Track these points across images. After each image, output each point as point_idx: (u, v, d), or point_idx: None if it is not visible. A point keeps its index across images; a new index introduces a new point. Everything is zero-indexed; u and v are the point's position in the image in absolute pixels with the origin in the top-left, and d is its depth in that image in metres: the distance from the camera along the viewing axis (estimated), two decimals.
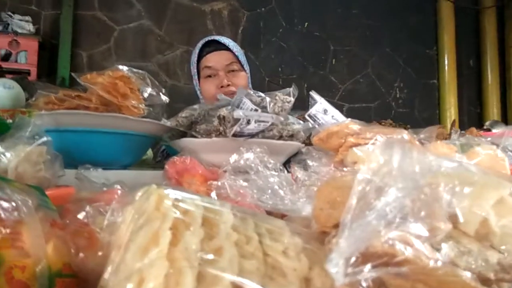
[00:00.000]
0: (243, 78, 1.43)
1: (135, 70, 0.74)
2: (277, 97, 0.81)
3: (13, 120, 0.62)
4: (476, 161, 0.60)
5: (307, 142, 0.87)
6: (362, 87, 4.17)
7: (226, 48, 1.41)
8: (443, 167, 0.53)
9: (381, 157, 0.34)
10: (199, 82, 1.50)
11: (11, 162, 0.51)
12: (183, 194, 0.36)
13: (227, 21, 3.69)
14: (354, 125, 0.62)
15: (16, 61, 2.88)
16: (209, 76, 1.42)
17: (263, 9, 3.83)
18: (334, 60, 4.09)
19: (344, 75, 4.11)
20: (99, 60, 3.28)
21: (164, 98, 0.77)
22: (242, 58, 1.44)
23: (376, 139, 0.61)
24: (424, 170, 0.33)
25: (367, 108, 4.17)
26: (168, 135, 0.89)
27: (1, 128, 0.63)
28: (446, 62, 4.27)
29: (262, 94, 0.80)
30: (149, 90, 0.76)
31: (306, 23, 4.00)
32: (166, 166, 0.72)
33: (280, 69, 3.89)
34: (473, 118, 4.45)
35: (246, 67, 1.46)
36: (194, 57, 1.48)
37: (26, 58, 2.89)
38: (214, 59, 1.40)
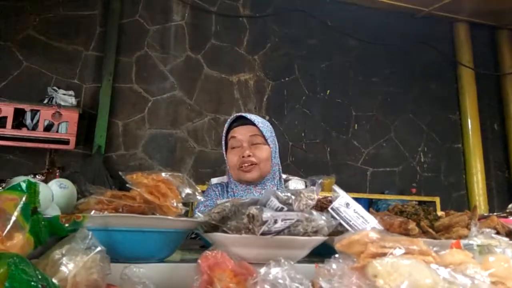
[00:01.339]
0: (265, 151, 1.52)
1: (175, 173, 0.84)
2: (301, 195, 0.88)
3: (69, 224, 0.71)
4: (490, 272, 0.64)
5: (331, 233, 0.92)
6: (385, 151, 4.21)
7: (252, 123, 1.53)
8: (457, 284, 0.57)
9: None
10: (226, 153, 1.60)
11: (71, 272, 0.59)
12: None
13: (253, 90, 3.90)
14: (374, 234, 0.68)
15: (57, 131, 3.12)
16: (234, 147, 1.53)
17: (287, 78, 4.04)
18: (356, 125, 4.19)
19: (367, 140, 4.18)
20: (134, 129, 3.50)
21: (200, 197, 0.85)
22: (267, 133, 1.54)
23: (394, 249, 0.66)
24: None
25: (391, 172, 4.18)
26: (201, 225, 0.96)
27: (60, 232, 0.72)
28: (469, 126, 4.29)
29: (288, 193, 0.87)
30: (186, 190, 0.85)
31: (328, 91, 4.17)
32: (199, 261, 0.79)
33: (303, 134, 4.01)
34: (501, 182, 4.37)
35: (272, 143, 1.55)
36: (224, 131, 1.61)
37: (67, 128, 3.12)
38: (239, 131, 1.53)
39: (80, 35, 3.57)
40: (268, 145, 1.54)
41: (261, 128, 1.53)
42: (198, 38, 3.83)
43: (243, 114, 1.57)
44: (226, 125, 1.59)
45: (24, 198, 0.60)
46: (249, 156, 1.48)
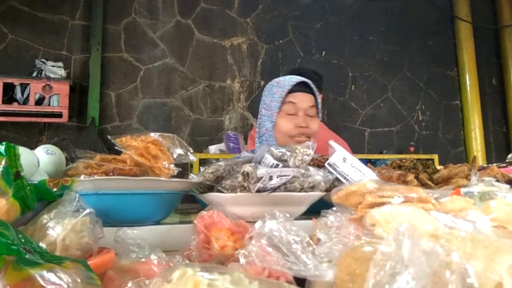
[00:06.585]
0: (316, 123, 1.45)
1: (165, 134, 0.81)
2: (297, 151, 0.85)
3: (57, 188, 0.69)
4: (491, 216, 0.62)
5: (328, 189, 0.90)
6: (383, 111, 4.17)
7: (312, 92, 1.44)
8: (458, 229, 0.55)
9: (394, 243, 0.37)
10: (275, 115, 1.45)
11: (59, 235, 0.57)
12: (215, 277, 0.40)
13: (246, 54, 3.81)
14: (371, 184, 0.66)
15: (49, 105, 3.06)
16: (289, 114, 1.42)
17: (281, 41, 3.94)
18: (353, 86, 4.13)
19: (364, 101, 4.14)
20: (127, 99, 3.43)
21: (192, 157, 0.82)
22: (319, 106, 1.47)
23: (392, 198, 0.64)
24: (431, 259, 0.36)
25: (389, 132, 4.16)
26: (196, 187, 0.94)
27: (48, 196, 0.70)
28: (467, 82, 4.23)
29: (283, 149, 0.84)
30: (178, 150, 0.82)
31: (324, 52, 4.07)
32: (195, 221, 0.77)
33: None
34: (499, 138, 4.36)
35: (320, 114, 1.49)
36: (281, 92, 1.42)
37: (58, 101, 3.06)
38: (301, 99, 1.42)
39: (65, 3, 3.44)
40: (318, 116, 1.47)
41: (317, 99, 1.44)
42: (187, 1, 3.69)
43: (306, 81, 1.44)
44: (287, 87, 1.42)
45: (3, 162, 0.57)
46: (306, 127, 1.40)
